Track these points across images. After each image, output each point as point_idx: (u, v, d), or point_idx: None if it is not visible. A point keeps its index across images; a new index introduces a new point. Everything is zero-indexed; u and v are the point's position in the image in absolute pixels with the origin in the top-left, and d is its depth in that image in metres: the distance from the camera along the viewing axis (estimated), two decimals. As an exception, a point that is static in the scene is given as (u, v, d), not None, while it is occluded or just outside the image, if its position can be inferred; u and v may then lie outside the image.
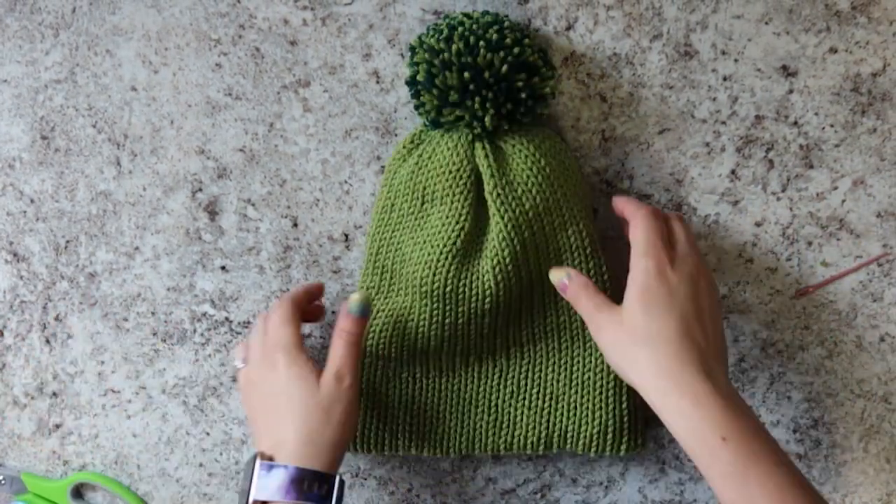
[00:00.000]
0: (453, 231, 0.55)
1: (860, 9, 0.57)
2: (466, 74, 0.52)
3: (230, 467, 0.65)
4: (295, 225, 0.62)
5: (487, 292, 0.55)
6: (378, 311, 0.58)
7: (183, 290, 0.63)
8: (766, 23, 0.57)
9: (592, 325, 0.53)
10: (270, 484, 0.49)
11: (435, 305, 0.57)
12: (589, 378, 0.58)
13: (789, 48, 0.57)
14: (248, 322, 0.63)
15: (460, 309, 0.56)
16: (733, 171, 0.59)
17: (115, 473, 0.65)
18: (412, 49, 0.55)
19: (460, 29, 0.53)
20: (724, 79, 0.58)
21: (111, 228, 0.63)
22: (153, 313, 0.63)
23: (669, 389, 0.48)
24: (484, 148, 0.54)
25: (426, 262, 0.55)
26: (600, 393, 0.58)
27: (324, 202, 0.61)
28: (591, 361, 0.58)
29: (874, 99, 0.58)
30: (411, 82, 0.55)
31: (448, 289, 0.56)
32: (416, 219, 0.57)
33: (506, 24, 0.54)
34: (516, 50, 0.52)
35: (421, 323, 0.57)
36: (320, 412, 0.51)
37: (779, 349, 0.61)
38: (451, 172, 0.54)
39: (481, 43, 0.52)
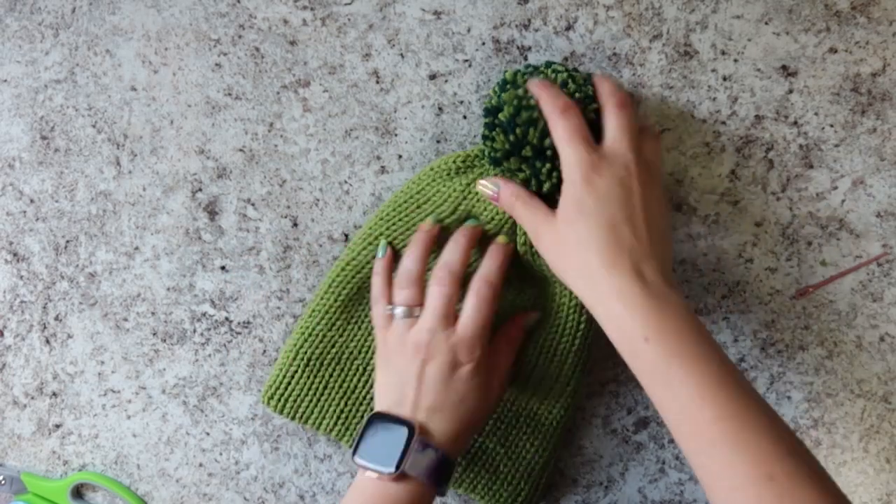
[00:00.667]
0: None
1: (860, 9, 0.57)
2: (547, 142, 0.51)
3: (230, 467, 0.65)
4: (295, 225, 0.62)
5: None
6: (351, 294, 0.59)
7: (183, 290, 0.63)
8: (766, 23, 0.57)
9: (531, 231, 0.52)
10: (422, 461, 0.51)
11: None
12: (521, 452, 0.59)
13: (789, 48, 0.57)
14: (248, 322, 0.63)
15: None
16: (733, 171, 0.59)
17: (115, 473, 0.65)
18: (505, 82, 0.53)
19: (570, 87, 0.52)
20: (724, 79, 0.58)
21: (111, 228, 0.63)
22: (153, 313, 0.63)
23: (600, 293, 0.48)
24: None
25: None
26: (524, 474, 0.59)
27: (324, 202, 0.61)
28: (528, 440, 0.59)
29: (874, 99, 0.58)
30: (488, 113, 0.53)
31: None
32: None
33: (596, 109, 0.53)
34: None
35: None
36: (483, 417, 0.55)
37: (779, 349, 0.61)
38: (498, 215, 0.55)
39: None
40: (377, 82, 0.60)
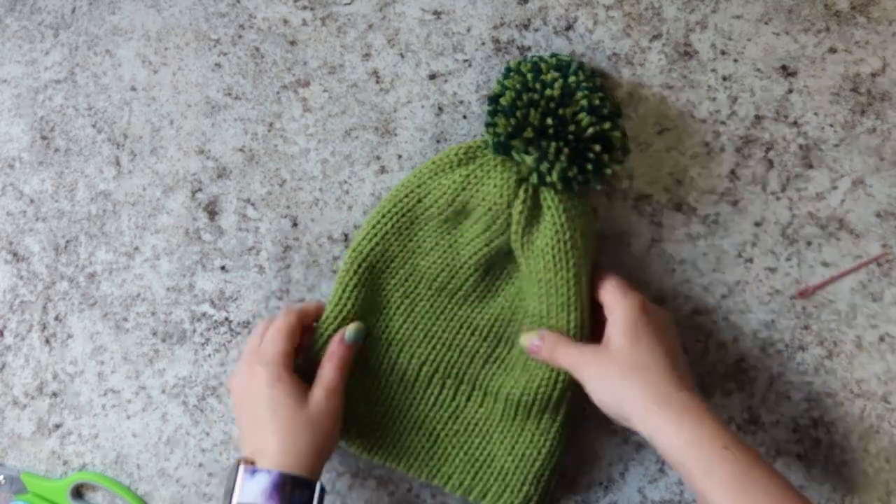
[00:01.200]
0: (482, 251, 0.56)
1: (859, 9, 0.57)
2: (549, 120, 0.52)
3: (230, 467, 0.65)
4: (295, 225, 0.62)
5: (492, 316, 0.58)
6: (371, 293, 0.59)
7: (182, 290, 0.63)
8: (766, 23, 0.57)
9: (578, 364, 0.54)
10: (254, 488, 0.51)
11: (439, 305, 0.58)
12: (529, 455, 0.59)
13: (789, 48, 0.57)
14: (248, 322, 0.63)
15: (460, 317, 0.59)
16: (733, 171, 0.59)
17: (115, 473, 0.65)
18: (508, 70, 0.54)
19: (568, 72, 0.53)
20: (724, 79, 0.58)
21: (111, 228, 0.63)
22: (153, 313, 0.63)
23: (667, 408, 0.50)
24: (524, 199, 0.54)
25: (450, 265, 0.58)
26: (530, 475, 0.59)
27: (323, 202, 0.61)
28: (535, 440, 0.59)
29: (873, 99, 0.58)
30: (494, 99, 0.54)
31: (461, 293, 0.58)
32: (444, 223, 0.57)
33: (606, 96, 0.54)
34: (607, 125, 0.53)
35: (411, 319, 0.59)
36: (306, 424, 0.54)
37: (778, 349, 0.61)
38: (496, 205, 0.55)
39: (583, 101, 0.52)
40: (377, 82, 0.60)
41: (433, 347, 0.59)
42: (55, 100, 0.61)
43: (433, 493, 0.64)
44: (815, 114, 0.58)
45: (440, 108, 0.60)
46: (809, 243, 0.60)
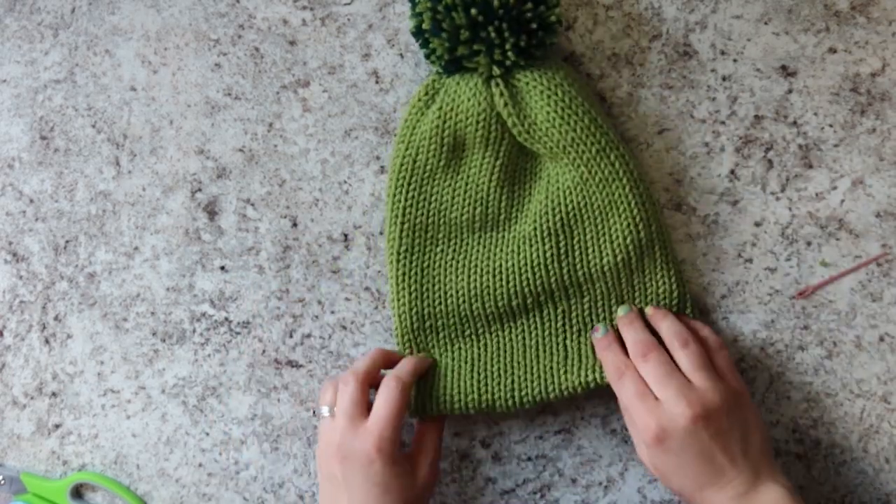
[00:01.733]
0: (496, 167, 0.55)
1: (859, 9, 0.57)
2: (473, 11, 0.51)
3: (229, 467, 0.65)
4: (294, 225, 0.62)
5: (538, 218, 0.56)
6: (424, 271, 0.58)
7: (182, 290, 0.63)
8: (766, 23, 0.57)
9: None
10: None
11: (489, 240, 0.58)
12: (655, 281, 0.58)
13: (788, 48, 0.57)
14: (248, 322, 0.63)
15: (512, 238, 0.57)
16: (732, 171, 0.59)
17: (115, 473, 0.65)
18: (412, 1, 0.54)
19: None
20: (724, 79, 0.58)
21: (110, 228, 0.63)
22: (152, 313, 0.63)
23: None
24: (501, 91, 0.54)
25: (477, 200, 0.57)
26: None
27: (323, 202, 0.61)
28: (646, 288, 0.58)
29: (873, 99, 0.58)
30: (417, 32, 0.54)
31: (502, 217, 0.57)
32: (448, 168, 0.56)
33: None
34: None
35: (474, 267, 0.58)
36: (416, 499, 0.54)
37: (778, 349, 0.61)
38: (479, 120, 0.54)
39: None
40: (377, 82, 0.60)
41: (506, 281, 0.57)
42: (55, 100, 0.61)
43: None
44: (815, 114, 0.58)
45: (440, 108, 0.60)
46: (809, 243, 0.60)
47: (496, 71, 0.53)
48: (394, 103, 0.60)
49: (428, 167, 0.57)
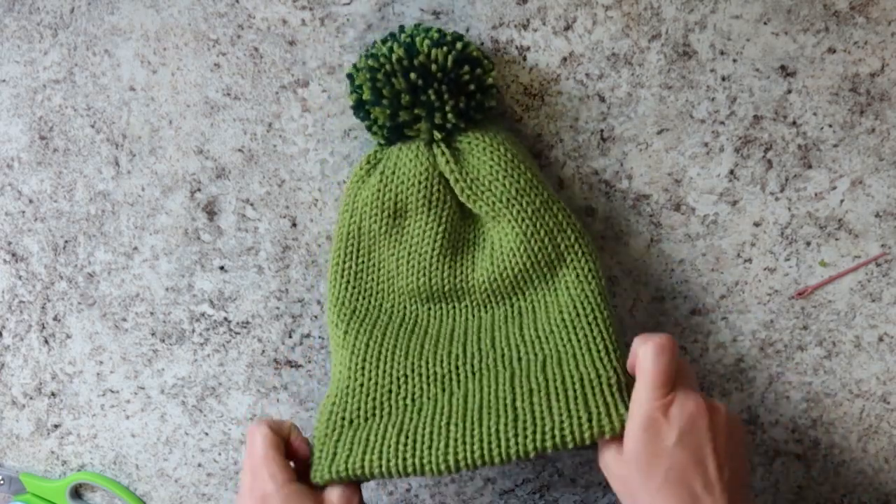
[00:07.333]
0: (438, 234, 0.55)
1: (859, 9, 0.57)
2: (413, 75, 0.52)
3: (229, 467, 0.65)
4: (294, 225, 0.62)
5: (488, 286, 0.56)
6: (366, 336, 0.55)
7: (181, 291, 0.63)
8: (765, 23, 0.57)
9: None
10: None
11: (436, 307, 0.57)
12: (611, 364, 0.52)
13: (788, 48, 0.57)
14: (247, 322, 0.63)
15: (461, 305, 0.57)
16: (732, 171, 0.59)
17: (114, 473, 0.65)
18: (350, 77, 0.55)
19: (401, 37, 0.54)
20: (723, 79, 0.58)
21: (110, 228, 0.63)
22: (152, 313, 0.63)
23: None
24: (442, 150, 0.54)
25: (420, 270, 0.56)
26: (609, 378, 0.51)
27: (322, 202, 0.61)
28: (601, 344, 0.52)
29: (872, 99, 0.58)
30: (358, 106, 0.55)
31: (447, 288, 0.56)
32: (390, 235, 0.57)
33: (437, 29, 0.55)
34: (458, 45, 0.54)
35: (419, 333, 0.56)
36: None
37: (777, 349, 0.61)
38: (420, 182, 0.55)
39: (426, 42, 0.53)
40: (376, 82, 0.60)
41: (452, 345, 0.55)
42: (54, 100, 0.61)
43: (432, 493, 0.64)
44: (814, 114, 0.58)
45: (439, 108, 0.60)
46: (808, 243, 0.60)
47: (437, 135, 0.54)
48: (393, 103, 0.60)
49: (371, 234, 0.57)
